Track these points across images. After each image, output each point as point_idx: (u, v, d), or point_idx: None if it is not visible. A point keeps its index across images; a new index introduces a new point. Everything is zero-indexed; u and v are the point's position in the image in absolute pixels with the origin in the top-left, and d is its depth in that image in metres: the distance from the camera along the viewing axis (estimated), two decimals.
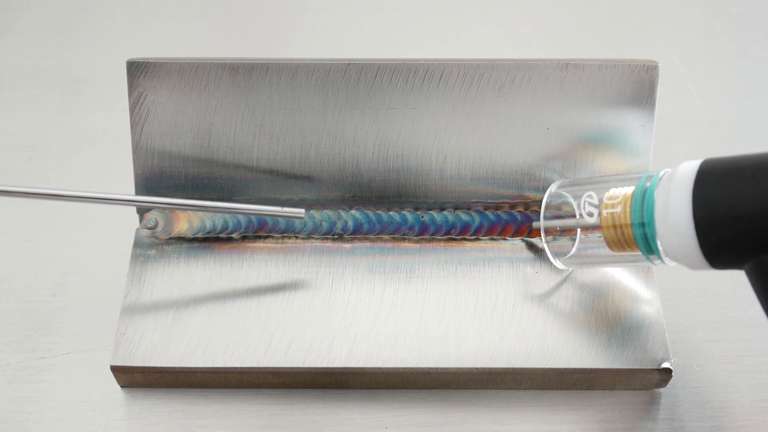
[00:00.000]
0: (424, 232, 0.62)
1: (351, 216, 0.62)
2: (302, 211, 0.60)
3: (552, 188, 0.60)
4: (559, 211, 0.60)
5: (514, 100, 0.60)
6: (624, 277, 0.60)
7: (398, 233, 0.62)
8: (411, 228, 0.62)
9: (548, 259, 0.60)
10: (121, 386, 0.58)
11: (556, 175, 0.62)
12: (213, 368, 0.57)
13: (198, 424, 0.57)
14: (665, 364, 0.57)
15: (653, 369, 0.57)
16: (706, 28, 0.80)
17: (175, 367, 0.57)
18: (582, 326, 0.58)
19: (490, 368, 0.57)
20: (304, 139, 0.61)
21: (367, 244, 0.62)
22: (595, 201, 0.57)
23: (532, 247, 0.62)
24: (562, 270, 0.60)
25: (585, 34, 0.79)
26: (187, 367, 0.57)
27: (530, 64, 0.59)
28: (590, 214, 0.57)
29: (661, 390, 0.58)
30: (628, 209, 0.54)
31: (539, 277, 0.60)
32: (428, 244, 0.62)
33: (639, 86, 0.60)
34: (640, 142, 0.61)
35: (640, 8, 0.81)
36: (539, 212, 0.61)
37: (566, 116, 0.60)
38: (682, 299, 0.62)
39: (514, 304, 0.59)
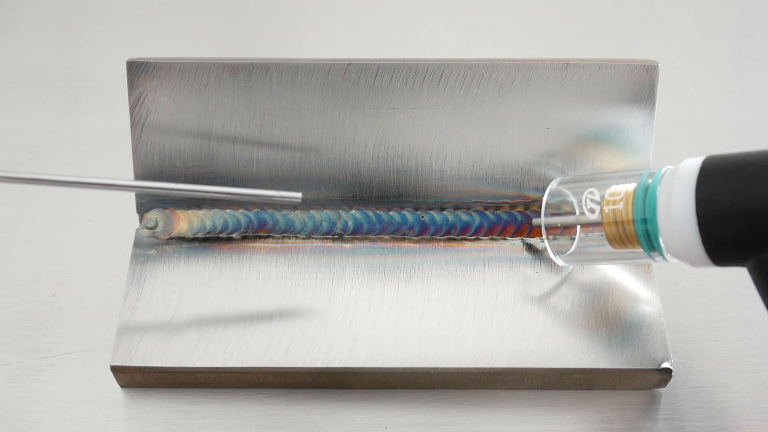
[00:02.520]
0: (424, 232, 0.62)
1: (351, 216, 0.62)
2: (299, 194, 0.59)
3: (552, 185, 0.60)
4: (560, 208, 0.60)
5: (514, 100, 0.60)
6: (624, 277, 0.60)
7: (398, 233, 0.62)
8: (411, 228, 0.62)
9: (548, 258, 0.60)
10: (121, 386, 0.58)
11: (556, 174, 0.62)
12: (213, 368, 0.57)
13: (198, 424, 0.57)
14: (665, 364, 0.57)
15: (653, 369, 0.57)
16: (706, 28, 0.80)
17: (175, 367, 0.57)
18: (582, 326, 0.58)
19: (490, 368, 0.57)
20: (304, 139, 0.61)
21: (367, 244, 0.62)
22: (597, 197, 0.57)
23: (531, 247, 0.62)
24: (562, 269, 0.60)
25: (585, 34, 0.79)
26: (187, 367, 0.57)
27: (530, 64, 0.59)
28: (592, 211, 0.57)
29: (661, 390, 0.58)
30: (630, 206, 0.54)
31: (539, 278, 0.60)
32: (428, 244, 0.62)
33: (639, 86, 0.60)
34: (640, 142, 0.61)
35: (640, 8, 0.81)
36: (539, 211, 0.61)
37: (566, 116, 0.60)
38: (682, 299, 0.62)
39: (514, 304, 0.59)
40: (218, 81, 0.59)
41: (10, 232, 0.65)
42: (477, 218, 0.62)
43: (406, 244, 0.62)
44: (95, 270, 0.63)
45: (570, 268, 0.60)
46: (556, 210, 0.60)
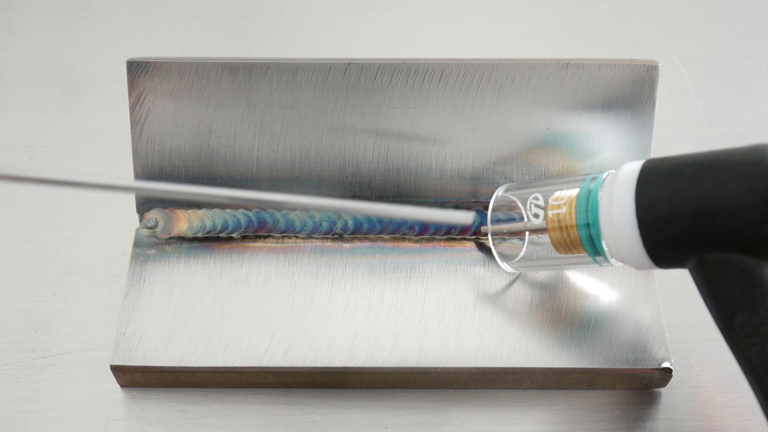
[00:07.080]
0: (424, 232, 0.62)
1: (351, 216, 0.62)
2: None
3: (498, 192, 0.60)
4: (508, 213, 0.60)
5: (514, 100, 0.60)
6: (624, 278, 0.60)
7: (398, 233, 0.62)
8: (411, 228, 0.62)
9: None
10: (121, 386, 0.58)
11: (556, 174, 0.62)
12: (213, 368, 0.57)
13: (198, 424, 0.57)
14: (665, 364, 0.57)
15: (653, 369, 0.57)
16: (706, 28, 0.80)
17: (175, 367, 0.57)
18: (582, 326, 0.58)
19: (490, 368, 0.57)
20: (304, 139, 0.61)
21: (367, 244, 0.62)
22: (542, 203, 0.57)
23: None
24: (510, 273, 0.60)
25: (585, 34, 0.80)
26: (187, 367, 0.57)
27: (530, 64, 0.59)
28: (536, 216, 0.57)
29: (661, 390, 0.58)
30: (573, 210, 0.54)
31: (539, 278, 0.60)
32: (428, 244, 0.62)
33: (639, 86, 0.60)
34: (640, 142, 0.61)
35: (640, 8, 0.81)
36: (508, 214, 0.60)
37: (566, 116, 0.60)
38: (682, 299, 0.62)
39: (515, 304, 0.59)
40: (218, 81, 0.59)
41: (10, 232, 0.65)
42: (477, 218, 0.62)
43: (406, 244, 0.62)
44: (95, 270, 0.63)
45: (518, 273, 0.60)
46: (502, 216, 0.60)
